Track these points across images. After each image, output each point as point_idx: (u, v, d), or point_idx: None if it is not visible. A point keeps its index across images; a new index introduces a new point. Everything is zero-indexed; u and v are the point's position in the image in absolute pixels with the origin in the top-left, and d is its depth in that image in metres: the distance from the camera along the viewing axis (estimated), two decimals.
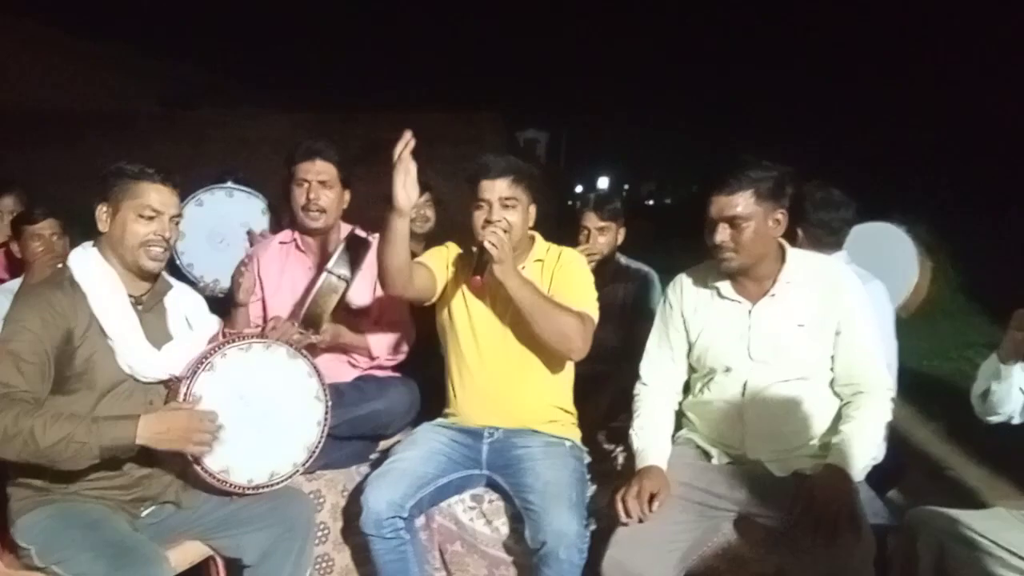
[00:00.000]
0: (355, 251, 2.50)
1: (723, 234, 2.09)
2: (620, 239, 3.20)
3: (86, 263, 2.02)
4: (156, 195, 2.03)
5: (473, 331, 2.44)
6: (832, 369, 2.16)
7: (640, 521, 2.03)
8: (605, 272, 3.14)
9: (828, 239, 2.71)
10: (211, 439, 1.98)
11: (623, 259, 3.26)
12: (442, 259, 2.48)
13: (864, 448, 2.03)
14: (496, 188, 2.30)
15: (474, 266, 2.24)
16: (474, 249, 2.28)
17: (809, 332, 2.12)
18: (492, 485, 2.44)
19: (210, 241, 3.15)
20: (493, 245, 2.17)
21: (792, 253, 2.19)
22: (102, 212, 2.03)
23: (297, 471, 2.24)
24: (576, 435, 2.52)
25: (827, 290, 2.14)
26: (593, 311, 2.38)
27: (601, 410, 2.81)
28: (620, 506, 2.04)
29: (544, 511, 2.15)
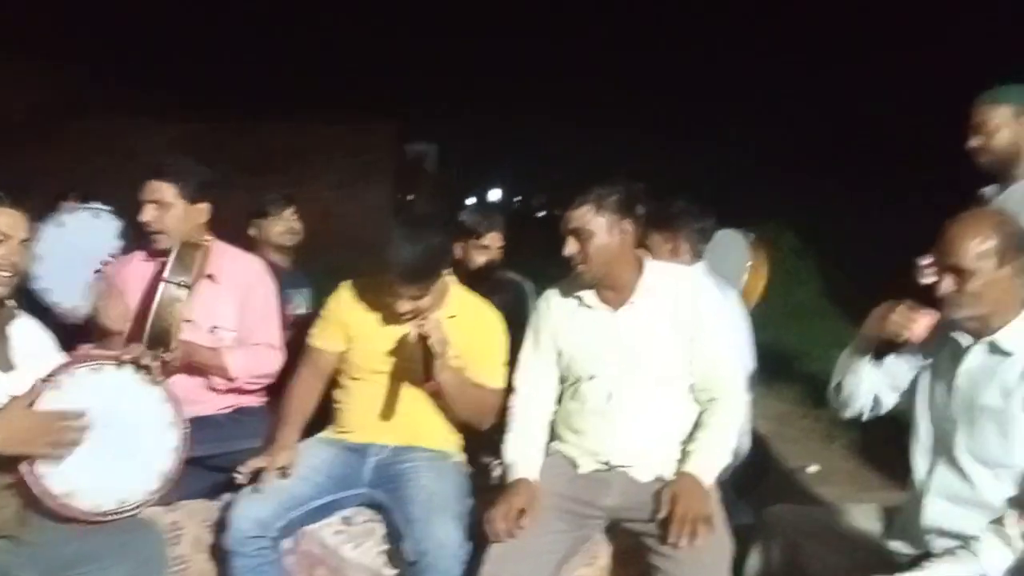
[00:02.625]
0: (189, 256, 2.43)
1: (571, 247, 2.18)
2: (499, 253, 3.21)
3: None
4: (3, 218, 1.93)
5: (364, 351, 2.41)
6: (690, 375, 2.24)
7: (511, 537, 2.03)
8: (482, 286, 3.16)
9: (703, 246, 2.90)
10: (73, 438, 1.93)
11: (498, 272, 3.27)
12: (335, 331, 2.45)
13: (718, 454, 2.13)
14: (409, 291, 2.25)
15: (424, 370, 2.22)
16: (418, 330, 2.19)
17: (668, 339, 2.20)
18: (370, 505, 2.39)
19: (70, 264, 2.93)
20: (436, 340, 2.15)
21: (649, 264, 2.28)
22: None
23: (150, 500, 2.13)
24: (461, 451, 2.52)
25: (684, 298, 2.23)
26: (505, 381, 2.43)
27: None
28: (489, 526, 2.06)
29: (427, 522, 2.14)
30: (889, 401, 2.10)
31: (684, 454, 2.16)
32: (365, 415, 2.42)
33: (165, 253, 2.55)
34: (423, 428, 2.43)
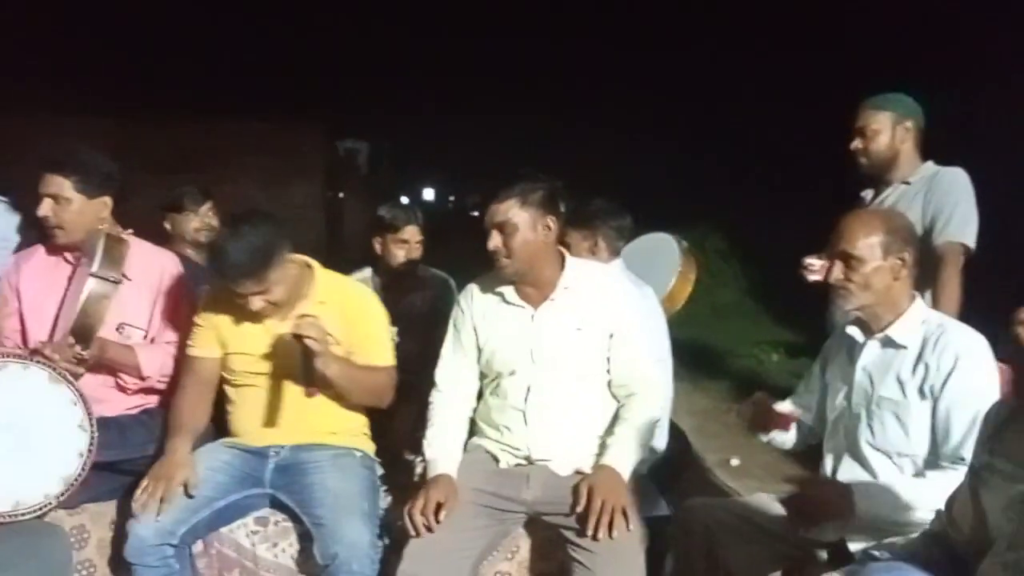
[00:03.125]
0: (116, 250, 2.34)
1: (495, 240, 2.19)
2: (419, 248, 3.18)
3: None
4: None
5: (245, 356, 2.34)
6: (608, 371, 2.26)
7: (430, 531, 2.03)
8: (405, 282, 3.13)
9: (620, 244, 2.92)
10: None
11: (421, 268, 3.25)
12: (210, 337, 2.36)
13: (634, 447, 2.15)
14: (244, 288, 2.16)
15: (305, 377, 2.15)
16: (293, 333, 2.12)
17: (586, 335, 2.22)
18: (277, 505, 2.32)
19: None
20: (313, 339, 2.08)
21: (571, 261, 2.30)
22: None
23: (50, 504, 2.04)
24: (368, 445, 2.47)
25: (602, 295, 2.25)
26: (393, 357, 2.43)
27: (408, 423, 2.78)
28: (407, 521, 2.04)
29: (335, 523, 2.10)
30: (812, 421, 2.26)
31: (601, 447, 2.18)
32: (256, 420, 2.35)
33: (69, 248, 2.45)
34: (321, 425, 2.36)
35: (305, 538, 2.24)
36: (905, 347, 1.94)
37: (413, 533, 2.03)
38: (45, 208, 2.38)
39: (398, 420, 2.68)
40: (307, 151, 14.25)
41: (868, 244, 1.92)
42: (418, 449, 2.67)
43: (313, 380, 2.15)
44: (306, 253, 2.41)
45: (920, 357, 1.91)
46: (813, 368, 2.27)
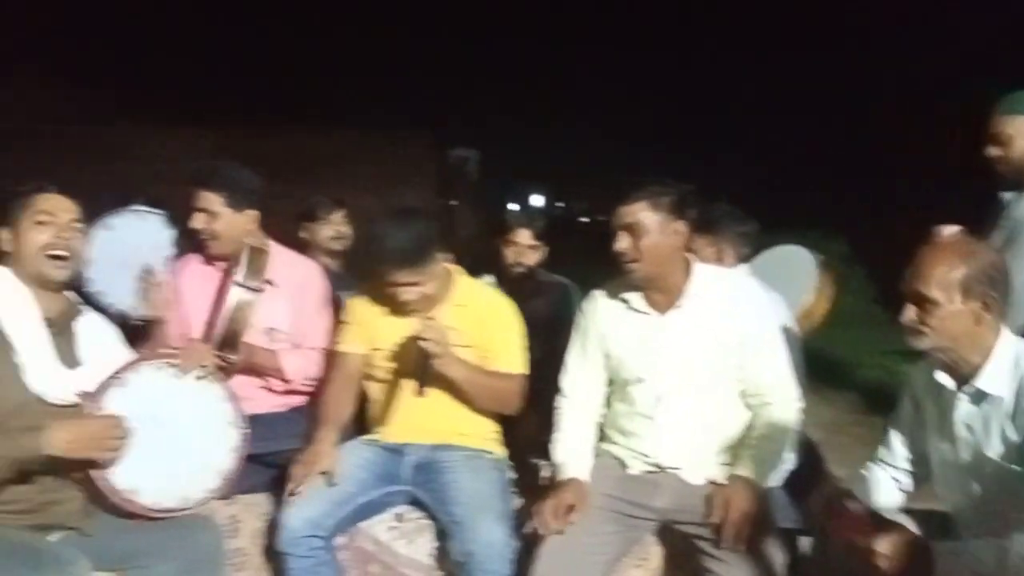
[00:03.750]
0: (258, 260, 2.49)
1: (623, 242, 2.14)
2: (536, 253, 3.18)
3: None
4: (47, 201, 2.03)
5: (388, 353, 2.43)
6: (740, 380, 2.21)
7: (559, 533, 2.04)
8: (525, 288, 3.16)
9: (745, 250, 2.88)
10: (120, 445, 1.97)
11: (541, 275, 3.27)
12: (355, 334, 2.48)
13: (770, 457, 2.12)
14: (400, 276, 2.25)
15: (419, 377, 2.23)
16: (415, 335, 2.22)
17: (716, 343, 2.18)
18: (416, 503, 2.41)
19: (122, 267, 2.99)
20: (431, 341, 2.17)
21: (698, 267, 2.25)
22: (4, 235, 2.02)
23: (209, 497, 2.19)
24: (498, 448, 2.52)
25: (733, 302, 2.20)
26: (525, 365, 2.45)
27: (533, 427, 2.81)
28: (537, 520, 2.07)
29: (471, 522, 2.15)
30: (910, 479, 2.08)
31: (736, 457, 2.15)
32: (393, 416, 2.45)
33: (222, 257, 2.62)
34: (457, 427, 2.44)
35: (441, 535, 2.31)
36: (1001, 397, 1.75)
37: (542, 532, 2.05)
38: (198, 221, 2.56)
39: (524, 425, 2.71)
40: (419, 159, 14.60)
41: (945, 284, 1.72)
42: (543, 453, 2.71)
43: (426, 382, 2.22)
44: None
45: (1019, 407, 1.71)
46: (899, 412, 2.07)
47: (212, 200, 2.55)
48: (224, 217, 2.56)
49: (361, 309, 2.49)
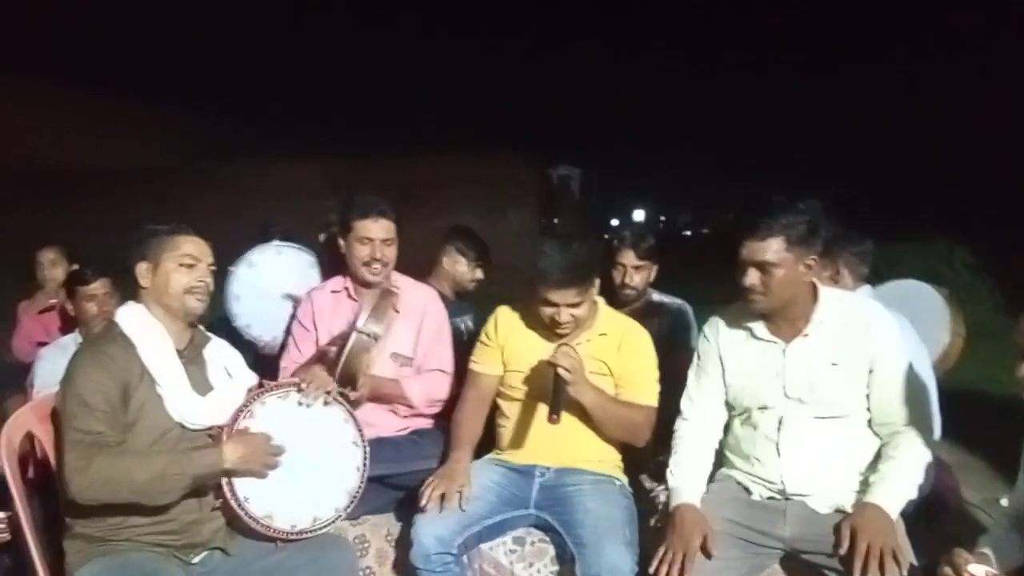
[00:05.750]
0: (383, 305, 2.58)
1: (752, 278, 2.08)
2: (653, 276, 3.21)
3: (134, 318, 2.13)
4: (192, 246, 2.17)
5: (524, 375, 2.49)
6: (870, 406, 2.14)
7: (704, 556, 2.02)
8: (639, 308, 3.16)
9: (863, 270, 2.81)
10: (276, 461, 2.16)
11: (655, 295, 3.26)
12: (493, 355, 2.56)
13: (902, 486, 2.02)
14: (564, 296, 2.32)
15: (551, 405, 2.26)
16: (550, 360, 2.27)
17: (843, 371, 2.12)
18: (539, 526, 2.44)
19: (265, 300, 3.15)
20: (567, 370, 2.22)
21: (824, 293, 2.19)
22: (143, 269, 2.16)
23: (339, 516, 2.28)
24: (623, 476, 2.53)
25: (860, 328, 2.13)
26: (656, 399, 2.46)
27: (647, 447, 2.79)
28: (661, 563, 2.02)
29: (598, 545, 2.16)
30: None
31: (866, 485, 2.07)
32: (525, 437, 2.49)
33: (367, 285, 2.71)
34: (584, 451, 2.46)
35: (560, 559, 2.34)
36: None
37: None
38: (384, 254, 2.68)
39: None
40: (522, 179, 14.79)
41: None
42: (655, 476, 2.69)
43: (558, 408, 2.24)
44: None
45: None
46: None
47: (392, 229, 2.69)
48: (395, 245, 2.71)
49: (500, 331, 2.55)
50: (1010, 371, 1.74)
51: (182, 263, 2.14)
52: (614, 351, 2.44)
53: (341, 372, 2.45)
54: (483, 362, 2.57)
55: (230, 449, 2.07)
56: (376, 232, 2.66)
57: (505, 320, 2.57)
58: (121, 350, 2.06)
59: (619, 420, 2.41)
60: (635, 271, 3.13)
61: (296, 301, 3.02)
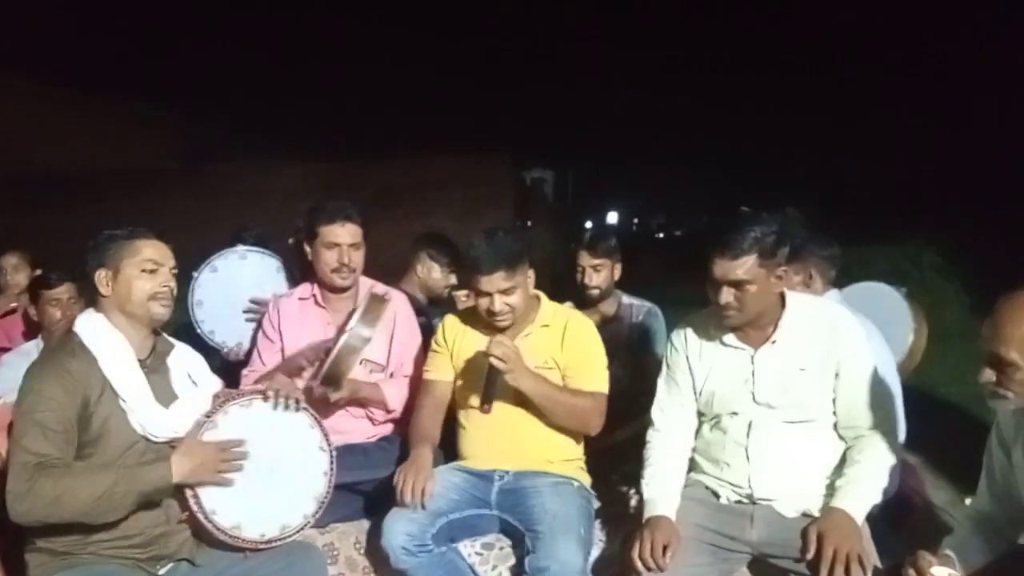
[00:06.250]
0: (375, 310, 2.56)
1: (727, 296, 2.09)
2: (617, 275, 3.20)
3: (94, 328, 2.06)
4: (153, 250, 2.10)
5: (468, 380, 2.50)
6: (836, 411, 2.16)
7: (660, 570, 2.03)
8: (608, 311, 3.17)
9: (832, 273, 2.84)
10: (238, 467, 2.09)
11: (625, 297, 3.27)
12: (444, 362, 2.57)
13: (868, 490, 2.05)
14: (493, 282, 2.34)
15: (483, 394, 2.31)
16: (483, 351, 2.29)
17: (811, 376, 2.14)
18: (505, 531, 2.46)
19: (228, 306, 3.12)
20: (500, 359, 2.24)
21: (792, 299, 2.21)
22: (102, 277, 2.07)
23: (308, 523, 2.25)
24: (584, 478, 2.54)
25: (827, 334, 2.15)
26: (605, 385, 2.48)
27: (609, 439, 2.77)
28: (638, 563, 2.04)
29: (552, 539, 2.18)
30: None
31: (832, 489, 2.09)
32: (481, 444, 2.50)
33: (335, 290, 2.72)
34: (543, 454, 2.47)
35: (522, 563, 2.32)
36: None
37: (644, 574, 2.03)
38: (349, 256, 2.67)
39: (599, 437, 2.69)
40: (497, 182, 14.78)
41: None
42: (627, 480, 2.70)
43: (490, 398, 2.31)
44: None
45: None
46: (988, 455, 1.95)
47: (358, 233, 2.70)
48: (363, 249, 2.72)
49: (448, 337, 2.57)
50: (976, 373, 1.74)
51: (144, 268, 2.07)
52: (558, 343, 2.46)
53: (327, 372, 2.44)
54: (434, 369, 2.58)
55: (177, 462, 2.00)
56: (343, 237, 2.65)
57: (452, 326, 2.59)
58: (80, 363, 1.99)
59: (565, 407, 2.40)
60: (594, 271, 3.12)
61: (262, 306, 2.99)
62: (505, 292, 2.35)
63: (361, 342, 2.50)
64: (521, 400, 2.41)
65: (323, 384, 2.43)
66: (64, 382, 1.95)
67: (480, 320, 2.48)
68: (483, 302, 2.38)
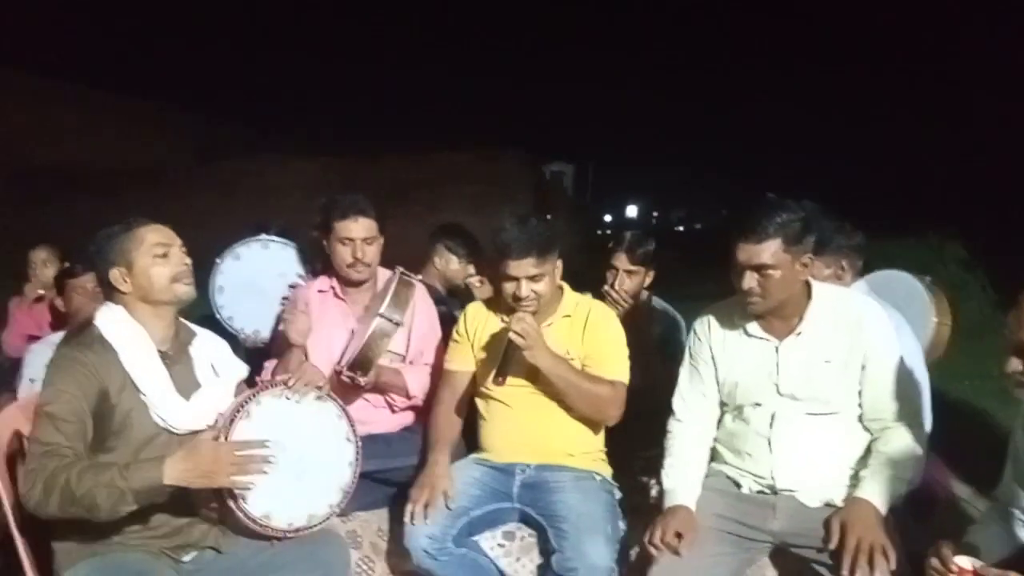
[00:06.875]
0: (404, 294, 2.58)
1: (750, 281, 2.07)
2: (647, 282, 3.14)
3: (113, 321, 2.06)
4: (157, 234, 2.09)
5: (489, 370, 2.48)
6: (861, 402, 2.15)
7: (677, 553, 2.02)
8: (635, 312, 3.13)
9: (859, 263, 2.79)
10: (255, 469, 1.96)
11: (653, 300, 3.23)
12: (465, 352, 2.57)
13: (891, 481, 2.03)
14: (522, 267, 2.33)
15: (498, 368, 2.31)
16: (505, 325, 2.30)
17: (836, 368, 2.12)
18: (525, 520, 2.46)
19: (248, 293, 3.14)
20: (520, 335, 2.24)
21: (818, 290, 2.19)
22: (117, 275, 2.06)
23: (333, 512, 2.27)
24: (605, 470, 2.53)
25: (852, 326, 2.13)
26: (625, 375, 2.46)
27: (634, 441, 2.76)
28: (650, 547, 2.05)
29: (578, 540, 2.18)
30: None
31: (856, 480, 2.07)
32: (502, 436, 2.50)
33: (352, 284, 2.74)
34: (564, 447, 2.46)
35: (546, 554, 2.34)
36: None
37: (655, 553, 2.04)
38: (362, 251, 2.69)
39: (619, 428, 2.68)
40: (516, 176, 14.78)
41: None
42: (648, 470, 2.70)
43: (505, 371, 2.30)
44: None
45: None
46: (1013, 445, 1.91)
47: (373, 227, 2.69)
48: (378, 243, 2.72)
49: (469, 327, 2.57)
50: (1000, 365, 1.73)
51: (155, 254, 2.06)
52: (579, 333, 2.45)
53: (358, 356, 2.46)
54: (455, 360, 2.58)
55: (172, 464, 1.88)
56: (356, 232, 2.66)
57: (474, 316, 2.59)
58: (98, 356, 1.98)
59: (581, 391, 2.38)
60: (627, 275, 3.04)
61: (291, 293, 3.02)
62: (533, 279, 2.34)
63: (392, 327, 2.51)
64: (540, 388, 2.40)
65: (351, 369, 2.44)
66: (77, 375, 1.95)
67: (501, 309, 2.48)
68: (509, 287, 2.37)
